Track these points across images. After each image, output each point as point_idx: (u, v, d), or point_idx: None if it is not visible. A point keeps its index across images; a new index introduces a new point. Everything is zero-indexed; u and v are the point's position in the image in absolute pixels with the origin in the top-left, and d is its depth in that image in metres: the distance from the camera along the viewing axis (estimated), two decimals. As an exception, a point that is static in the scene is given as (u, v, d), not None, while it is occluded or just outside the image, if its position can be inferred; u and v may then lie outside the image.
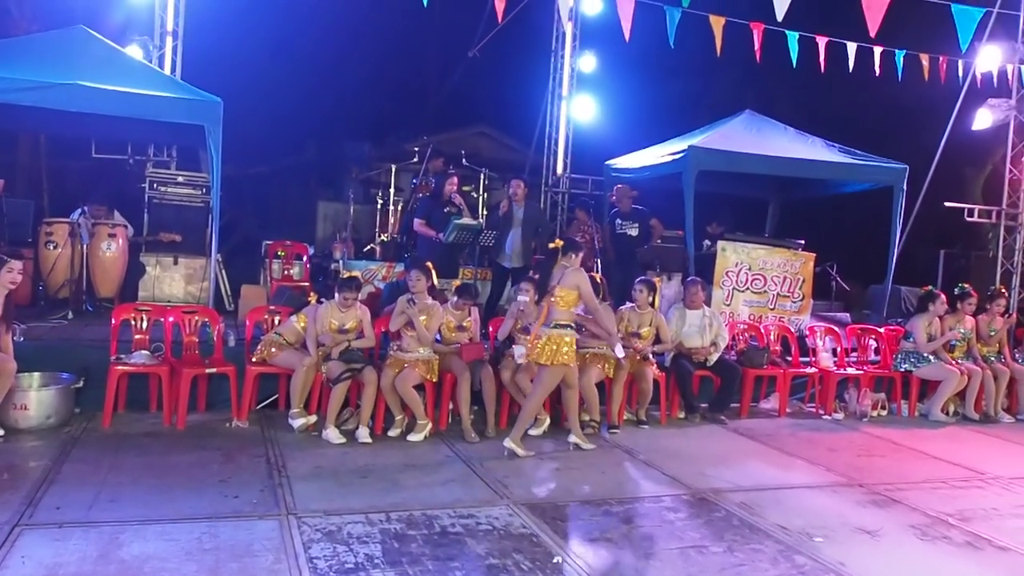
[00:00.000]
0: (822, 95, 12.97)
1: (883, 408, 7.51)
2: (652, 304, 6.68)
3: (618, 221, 9.05)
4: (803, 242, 9.05)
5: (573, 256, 5.48)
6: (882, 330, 8.19)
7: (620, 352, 5.80)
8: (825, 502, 4.82)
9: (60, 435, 5.25)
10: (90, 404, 5.72)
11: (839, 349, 7.86)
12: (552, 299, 5.38)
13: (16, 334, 5.90)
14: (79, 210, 7.71)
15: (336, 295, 5.84)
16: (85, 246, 7.53)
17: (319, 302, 5.95)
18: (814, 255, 8.62)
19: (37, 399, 5.36)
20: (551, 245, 5.58)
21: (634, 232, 8.91)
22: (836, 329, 8.12)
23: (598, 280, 6.39)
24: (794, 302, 8.34)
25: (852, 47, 9.42)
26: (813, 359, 7.71)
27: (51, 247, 7.65)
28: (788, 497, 4.87)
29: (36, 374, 5.62)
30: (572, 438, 5.70)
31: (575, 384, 5.69)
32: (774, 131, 9.33)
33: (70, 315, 7.23)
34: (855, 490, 5.07)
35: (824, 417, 7.28)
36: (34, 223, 8.11)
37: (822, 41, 9.35)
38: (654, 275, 8.32)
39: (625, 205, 9.08)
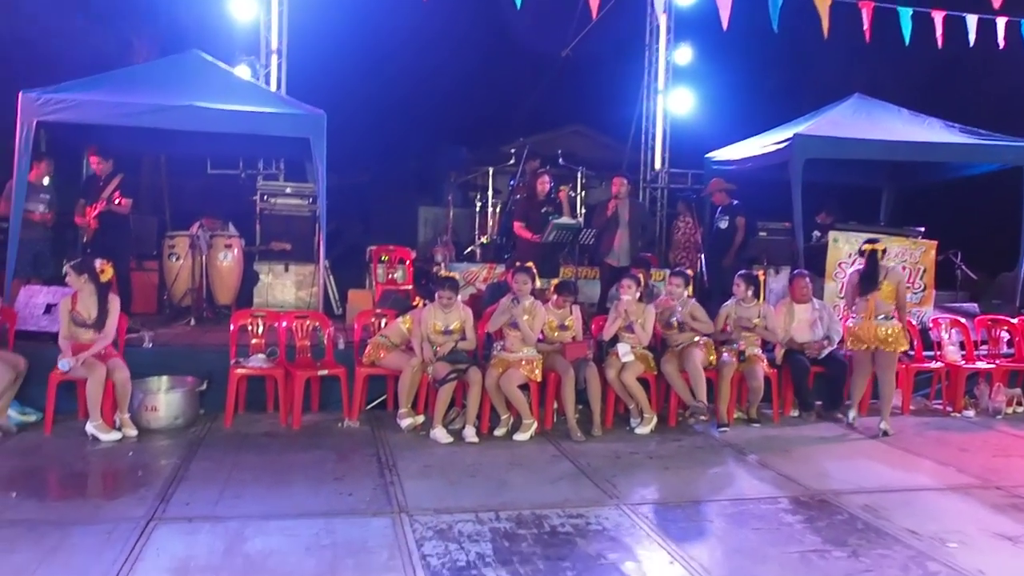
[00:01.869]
0: (939, 74, 12.21)
1: (1019, 404, 7.01)
2: (756, 297, 6.56)
3: (716, 215, 8.85)
4: (923, 229, 8.55)
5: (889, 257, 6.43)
6: (1015, 321, 7.63)
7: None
8: (958, 505, 4.52)
9: (187, 435, 5.54)
10: (213, 405, 6.02)
11: (967, 342, 7.37)
12: (878, 292, 6.11)
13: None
14: (197, 223, 8.14)
15: (435, 297, 5.93)
16: (204, 257, 7.95)
17: (424, 305, 6.05)
18: (935, 243, 8.12)
19: (165, 401, 5.68)
20: (866, 247, 6.25)
21: (724, 225, 8.69)
22: (963, 321, 7.61)
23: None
24: (915, 293, 7.87)
25: (972, 20, 8.80)
26: (938, 353, 7.26)
27: (174, 259, 8.12)
28: (916, 500, 4.60)
29: (164, 377, 5.97)
30: (883, 424, 6.06)
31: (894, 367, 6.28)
32: (886, 114, 8.88)
33: (192, 321, 7.66)
34: (992, 492, 4.74)
35: (953, 415, 6.86)
36: (158, 237, 8.63)
37: (938, 16, 8.78)
38: (760, 268, 8.08)
39: (719, 199, 8.87)
